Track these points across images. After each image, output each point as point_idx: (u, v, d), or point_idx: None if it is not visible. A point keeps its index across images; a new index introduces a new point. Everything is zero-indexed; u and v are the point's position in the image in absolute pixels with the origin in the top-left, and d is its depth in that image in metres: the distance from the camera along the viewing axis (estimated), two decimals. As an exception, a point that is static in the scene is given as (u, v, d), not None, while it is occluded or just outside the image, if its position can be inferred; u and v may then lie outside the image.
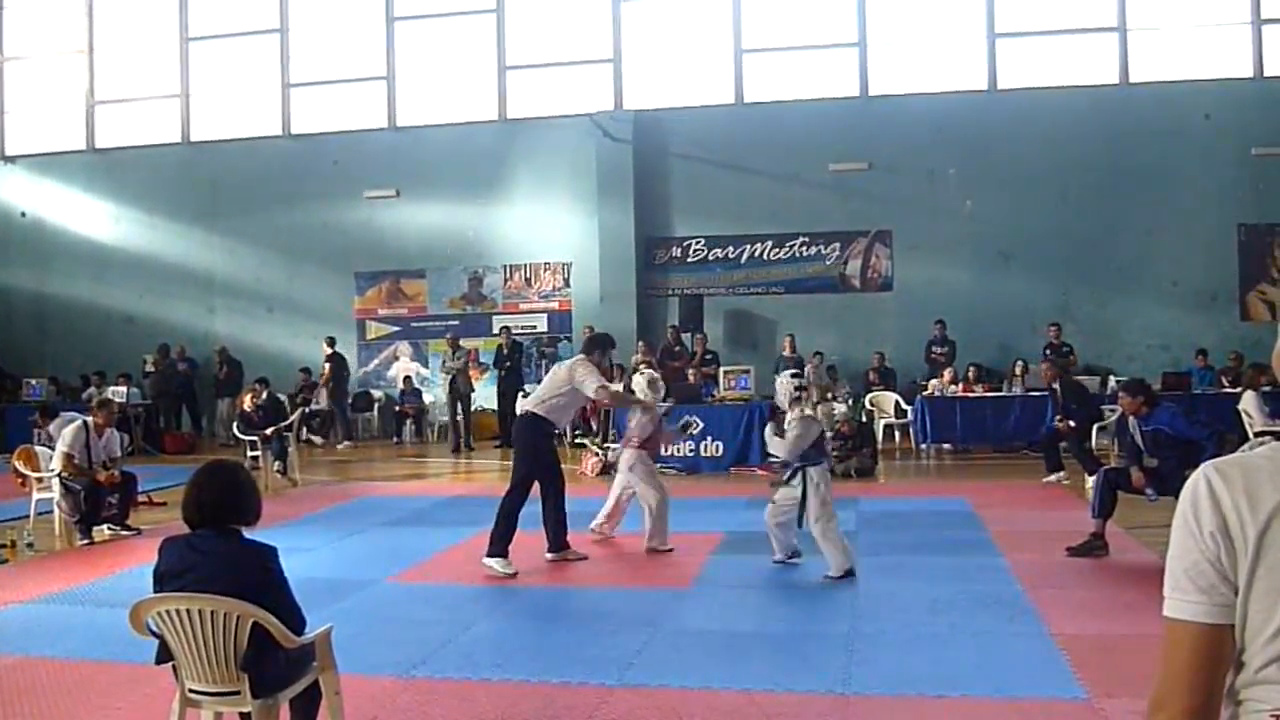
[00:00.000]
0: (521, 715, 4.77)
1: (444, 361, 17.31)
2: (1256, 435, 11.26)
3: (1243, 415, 11.91)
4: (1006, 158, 17.26)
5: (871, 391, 16.24)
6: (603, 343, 8.58)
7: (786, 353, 16.74)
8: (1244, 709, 1.60)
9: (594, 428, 15.43)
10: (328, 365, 18.22)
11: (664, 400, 8.85)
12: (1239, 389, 13.01)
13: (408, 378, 18.91)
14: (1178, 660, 1.61)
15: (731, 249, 18.30)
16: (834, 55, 18.17)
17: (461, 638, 6.12)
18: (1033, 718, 4.63)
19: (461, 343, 17.38)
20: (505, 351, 16.95)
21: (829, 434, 10.44)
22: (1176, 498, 1.68)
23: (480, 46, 19.20)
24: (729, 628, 6.26)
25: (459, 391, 16.72)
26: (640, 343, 16.26)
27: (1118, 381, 13.65)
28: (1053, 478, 11.56)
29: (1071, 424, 11.36)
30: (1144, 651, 5.39)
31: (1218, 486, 1.60)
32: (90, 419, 9.72)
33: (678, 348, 16.73)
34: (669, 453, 13.51)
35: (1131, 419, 8.04)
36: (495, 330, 18.38)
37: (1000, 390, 15.16)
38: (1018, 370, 15.30)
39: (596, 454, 13.41)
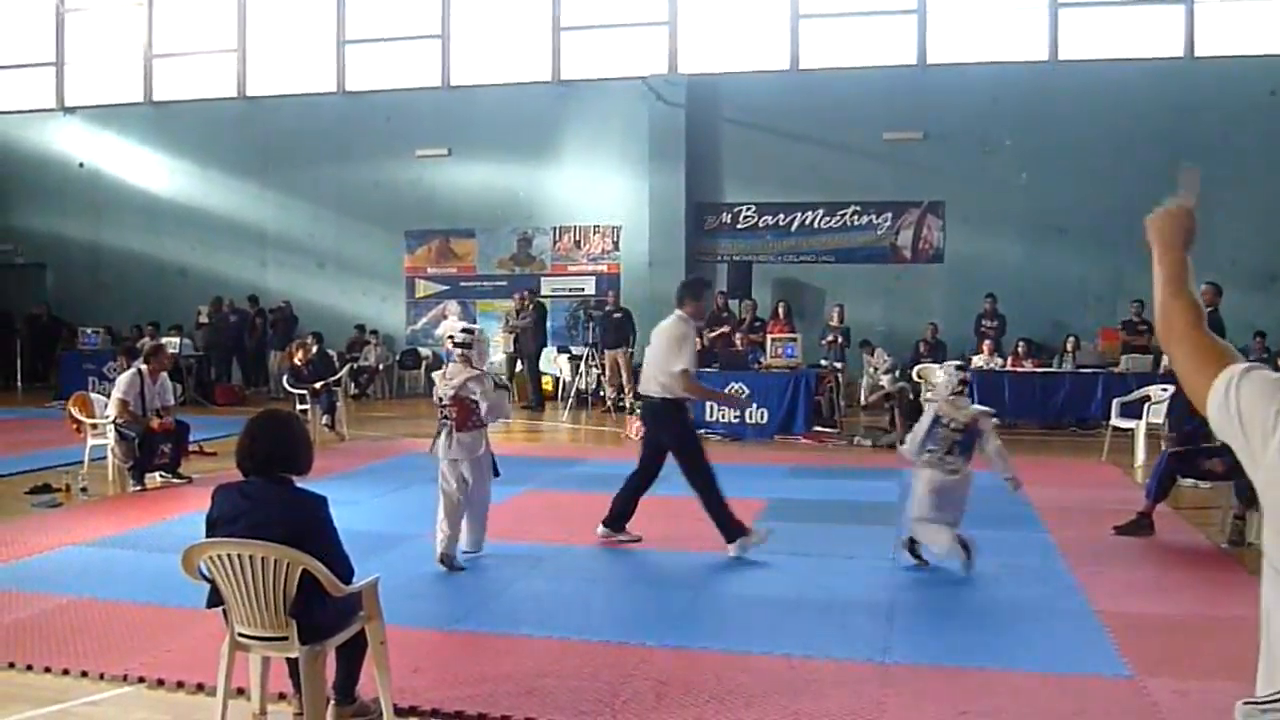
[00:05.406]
0: (561, 671, 4.82)
1: (507, 320, 17.34)
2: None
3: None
4: (1064, 130, 16.93)
5: (920, 363, 16.09)
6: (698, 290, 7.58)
7: (834, 322, 16.62)
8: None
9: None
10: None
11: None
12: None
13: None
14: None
15: (782, 216, 18.17)
16: (892, 22, 17.88)
17: (504, 594, 6.18)
18: (1076, 694, 4.60)
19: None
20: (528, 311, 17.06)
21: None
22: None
23: (535, 6, 19.09)
24: (770, 594, 6.25)
25: (522, 350, 16.83)
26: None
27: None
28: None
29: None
30: (1190, 632, 5.36)
31: None
32: (144, 366, 9.86)
33: (725, 314, 16.69)
34: (714, 418, 13.47)
35: None
36: (544, 292, 18.48)
37: (1050, 366, 15.00)
38: (1069, 346, 15.11)
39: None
